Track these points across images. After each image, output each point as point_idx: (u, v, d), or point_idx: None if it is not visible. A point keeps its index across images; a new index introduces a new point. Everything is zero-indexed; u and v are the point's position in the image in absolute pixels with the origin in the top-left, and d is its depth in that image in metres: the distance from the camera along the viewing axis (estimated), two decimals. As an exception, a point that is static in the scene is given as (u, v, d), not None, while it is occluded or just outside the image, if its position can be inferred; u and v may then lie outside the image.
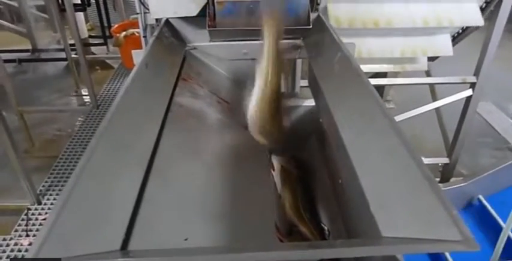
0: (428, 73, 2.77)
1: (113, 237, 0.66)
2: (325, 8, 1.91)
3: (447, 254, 1.81)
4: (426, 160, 2.64)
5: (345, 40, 1.38)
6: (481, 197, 2.07)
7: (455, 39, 2.50)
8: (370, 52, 2.10)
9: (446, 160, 2.69)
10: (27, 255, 0.58)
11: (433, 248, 0.63)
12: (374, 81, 2.36)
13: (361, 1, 1.99)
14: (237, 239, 0.99)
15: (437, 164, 2.77)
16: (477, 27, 2.22)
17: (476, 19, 2.04)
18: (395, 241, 0.65)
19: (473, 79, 2.35)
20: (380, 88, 3.81)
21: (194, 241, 0.88)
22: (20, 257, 2.31)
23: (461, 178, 2.25)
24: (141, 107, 1.07)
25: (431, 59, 2.53)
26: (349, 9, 1.95)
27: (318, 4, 1.87)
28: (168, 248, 0.74)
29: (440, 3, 2.03)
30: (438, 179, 2.76)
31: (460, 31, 2.47)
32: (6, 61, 3.50)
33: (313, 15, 1.66)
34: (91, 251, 0.62)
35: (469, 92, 2.39)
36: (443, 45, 2.18)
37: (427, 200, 0.69)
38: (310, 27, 1.60)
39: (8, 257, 2.31)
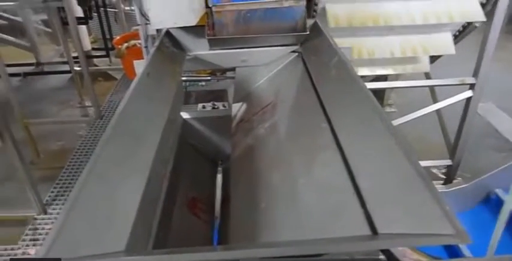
0: (427, 76, 2.78)
1: (117, 238, 0.68)
2: (323, 11, 1.91)
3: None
4: (429, 163, 2.64)
5: (345, 40, 1.36)
6: (497, 190, 2.11)
7: (456, 38, 2.50)
8: (370, 52, 2.08)
9: (449, 162, 2.69)
10: (36, 256, 0.61)
11: (427, 241, 0.65)
12: (374, 85, 2.37)
13: (360, 0, 1.97)
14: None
15: (441, 166, 2.78)
16: (476, 26, 2.19)
17: (477, 14, 1.97)
18: (390, 237, 0.67)
19: (472, 80, 2.36)
20: (381, 92, 3.84)
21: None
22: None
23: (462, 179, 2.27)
24: (143, 115, 1.10)
25: (431, 61, 2.54)
26: (348, 8, 1.94)
27: (315, 11, 1.90)
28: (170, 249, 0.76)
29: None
30: (442, 181, 2.77)
31: (461, 29, 2.46)
32: (11, 75, 3.54)
33: (310, 22, 1.70)
34: (97, 251, 0.65)
35: (468, 93, 2.41)
36: (444, 43, 2.15)
37: (421, 197, 0.71)
38: (308, 33, 1.63)
39: (15, 266, 2.33)
